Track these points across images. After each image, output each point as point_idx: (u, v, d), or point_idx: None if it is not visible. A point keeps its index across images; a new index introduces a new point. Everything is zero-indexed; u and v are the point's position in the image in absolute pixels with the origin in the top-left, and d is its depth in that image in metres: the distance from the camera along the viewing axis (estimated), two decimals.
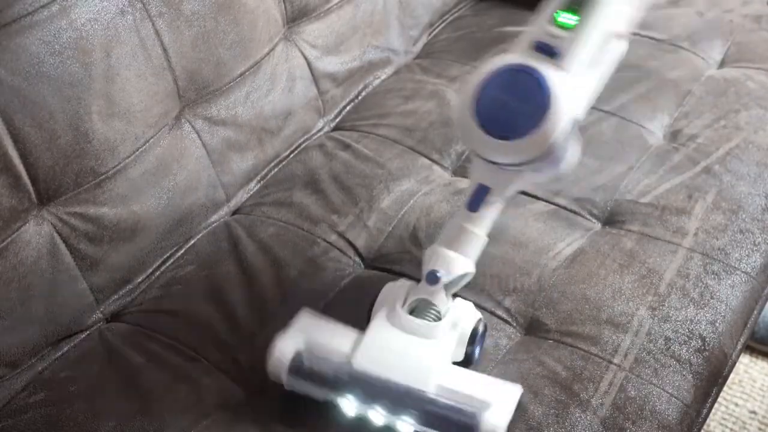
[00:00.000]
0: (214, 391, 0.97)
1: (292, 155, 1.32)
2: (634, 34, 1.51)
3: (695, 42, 1.47)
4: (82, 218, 1.04)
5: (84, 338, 1.06)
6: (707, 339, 0.99)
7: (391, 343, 0.88)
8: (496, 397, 0.86)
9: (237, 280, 1.09)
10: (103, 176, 1.05)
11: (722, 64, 1.44)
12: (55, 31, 0.99)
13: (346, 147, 1.30)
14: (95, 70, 1.02)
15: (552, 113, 0.83)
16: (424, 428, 0.85)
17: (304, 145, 1.34)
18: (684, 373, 0.96)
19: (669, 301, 1.02)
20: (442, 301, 0.90)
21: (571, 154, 0.91)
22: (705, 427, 1.28)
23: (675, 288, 1.03)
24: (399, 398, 0.85)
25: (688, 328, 1.00)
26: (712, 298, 1.03)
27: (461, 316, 0.91)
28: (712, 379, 0.98)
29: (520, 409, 0.90)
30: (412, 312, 0.91)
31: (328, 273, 1.09)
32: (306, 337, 0.91)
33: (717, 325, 1.01)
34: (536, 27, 0.88)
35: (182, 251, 1.17)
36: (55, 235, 1.02)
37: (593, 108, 1.32)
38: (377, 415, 0.86)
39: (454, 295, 0.94)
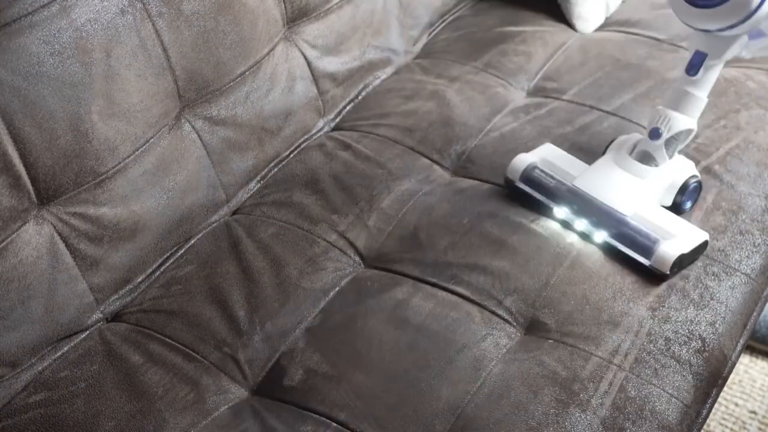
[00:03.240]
0: (214, 391, 0.97)
1: (292, 155, 1.32)
2: (635, 33, 1.51)
3: None
4: (82, 218, 1.04)
5: (84, 338, 1.06)
6: (707, 340, 1.00)
7: (609, 174, 1.10)
8: (680, 234, 1.04)
9: (237, 280, 1.09)
10: (103, 176, 1.05)
11: None
12: (55, 31, 0.98)
13: (346, 147, 1.30)
14: (95, 70, 1.02)
15: None
16: (614, 241, 1.06)
17: (304, 145, 1.34)
18: (684, 373, 0.96)
19: (669, 301, 1.02)
20: (662, 155, 1.07)
21: None
22: (705, 427, 1.28)
23: (675, 289, 1.03)
24: (601, 215, 1.07)
25: (688, 329, 1.00)
26: (712, 299, 1.03)
27: (677, 169, 1.09)
28: (712, 379, 0.98)
29: (519, 412, 0.90)
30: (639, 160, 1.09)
31: (328, 273, 1.09)
32: (544, 157, 1.16)
33: (717, 326, 1.01)
34: None
35: (182, 251, 1.17)
36: (55, 235, 1.02)
37: (593, 107, 1.32)
38: (580, 224, 1.09)
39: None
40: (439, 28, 1.60)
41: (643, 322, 1.00)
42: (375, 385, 0.95)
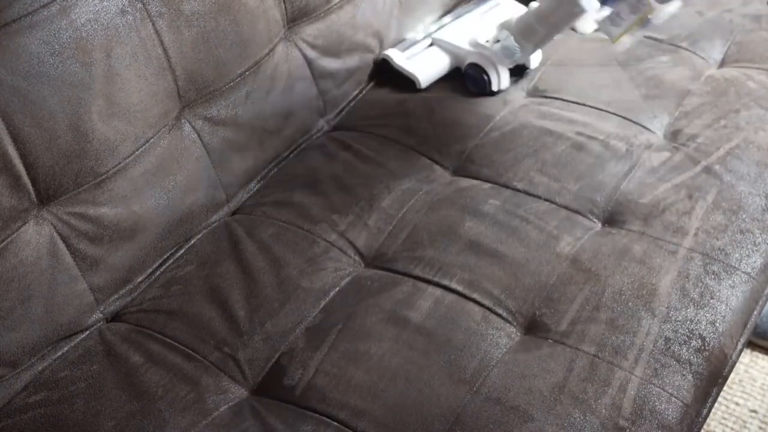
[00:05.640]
0: (214, 391, 0.97)
1: (292, 155, 1.32)
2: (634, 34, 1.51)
3: (695, 42, 1.47)
4: (82, 218, 1.04)
5: (84, 338, 1.06)
6: (707, 339, 0.99)
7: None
8: None
9: (237, 280, 1.09)
10: (103, 176, 1.05)
11: (722, 64, 1.44)
12: (55, 31, 0.99)
13: (346, 147, 1.30)
14: (95, 70, 1.02)
15: None
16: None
17: (304, 145, 1.34)
18: (684, 373, 0.96)
19: (669, 301, 1.02)
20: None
21: None
22: (705, 426, 1.28)
23: (675, 288, 1.03)
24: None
25: (689, 328, 1.00)
26: (712, 298, 1.03)
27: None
28: (712, 378, 0.98)
29: (519, 412, 0.90)
30: None
31: (328, 272, 1.09)
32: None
33: (717, 325, 1.01)
34: None
35: (182, 251, 1.17)
36: (55, 235, 1.02)
37: (593, 107, 1.32)
38: None
39: None
40: None
41: (642, 322, 0.99)
42: (375, 385, 0.95)
